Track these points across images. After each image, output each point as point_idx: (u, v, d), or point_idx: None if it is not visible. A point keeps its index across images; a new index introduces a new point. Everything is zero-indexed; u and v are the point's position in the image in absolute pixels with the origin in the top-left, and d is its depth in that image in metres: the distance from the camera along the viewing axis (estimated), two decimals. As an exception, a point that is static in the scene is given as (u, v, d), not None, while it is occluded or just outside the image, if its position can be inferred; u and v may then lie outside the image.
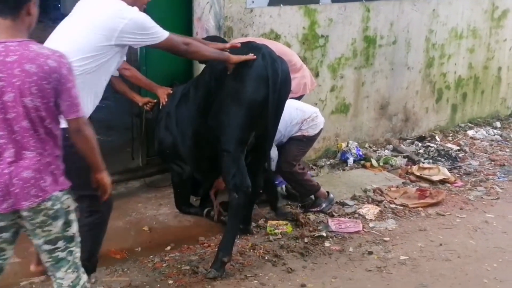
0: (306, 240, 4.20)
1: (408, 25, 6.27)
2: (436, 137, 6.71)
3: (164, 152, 4.59)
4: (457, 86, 7.11)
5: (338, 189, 5.11)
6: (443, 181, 5.45)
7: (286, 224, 4.41)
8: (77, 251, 2.70)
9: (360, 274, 3.80)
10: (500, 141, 6.83)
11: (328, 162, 5.83)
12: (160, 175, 5.24)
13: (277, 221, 4.46)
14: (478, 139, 6.85)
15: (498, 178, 5.64)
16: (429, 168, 5.67)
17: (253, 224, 4.40)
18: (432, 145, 6.42)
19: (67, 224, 2.61)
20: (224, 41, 4.40)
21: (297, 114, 4.52)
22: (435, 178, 5.47)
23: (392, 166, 5.77)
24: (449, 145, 6.52)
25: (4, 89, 2.42)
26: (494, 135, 7.02)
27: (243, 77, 3.68)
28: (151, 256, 3.93)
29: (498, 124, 7.42)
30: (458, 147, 6.46)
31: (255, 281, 3.64)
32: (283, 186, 5.03)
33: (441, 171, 5.58)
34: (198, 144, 4.12)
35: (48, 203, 2.53)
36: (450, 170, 5.73)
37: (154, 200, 4.90)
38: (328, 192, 4.80)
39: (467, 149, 6.45)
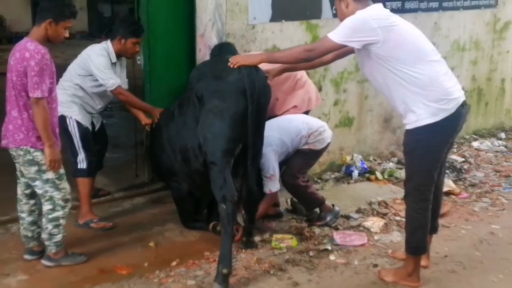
0: (311, 253, 4.20)
1: (410, 38, 6.29)
2: (441, 149, 6.70)
3: (160, 169, 4.66)
4: (461, 98, 7.11)
5: (343, 202, 5.12)
6: (448, 193, 5.43)
7: (291, 238, 4.41)
8: (52, 191, 3.82)
9: (365, 287, 3.79)
10: (505, 152, 6.83)
11: (333, 176, 5.85)
12: (166, 191, 5.26)
13: (282, 235, 4.46)
14: (483, 150, 6.86)
15: (504, 189, 5.64)
16: (434, 180, 5.65)
17: (258, 238, 4.42)
18: (437, 157, 6.41)
19: (41, 171, 3.77)
20: (235, 51, 4.49)
21: (304, 127, 4.54)
22: (440, 190, 5.46)
23: (397, 178, 5.78)
24: (454, 156, 6.51)
25: (9, 67, 3.71)
26: (499, 146, 7.02)
27: (222, 93, 3.85)
28: (157, 272, 3.94)
29: (503, 135, 7.43)
30: (463, 159, 6.46)
31: (261, 295, 3.65)
32: (288, 200, 5.04)
33: (446, 183, 5.55)
34: (187, 159, 4.21)
35: (20, 151, 3.77)
36: (455, 181, 5.74)
37: (159, 216, 4.92)
38: (333, 205, 4.80)
39: (472, 160, 6.46)
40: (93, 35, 14.80)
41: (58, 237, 3.93)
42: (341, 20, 3.58)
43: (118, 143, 6.61)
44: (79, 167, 4.62)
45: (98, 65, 4.54)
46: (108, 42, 4.70)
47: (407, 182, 3.71)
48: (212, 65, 4.22)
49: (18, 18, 13.80)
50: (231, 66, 3.82)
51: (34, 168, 3.79)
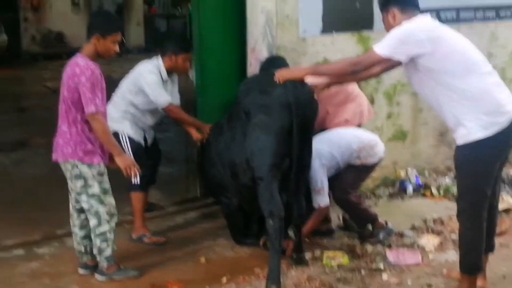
0: (363, 272, 4.12)
1: (467, 50, 6.13)
2: (500, 163, 6.47)
3: (210, 184, 4.68)
4: (521, 110, 6.87)
5: (396, 219, 4.99)
6: (507, 210, 5.25)
7: (343, 256, 4.34)
8: (97, 206, 3.90)
9: (419, 307, 3.70)
10: None
11: (387, 191, 5.73)
12: (217, 205, 5.28)
13: (333, 252, 4.40)
14: (545, 165, 6.58)
15: None
16: (493, 197, 5.47)
17: (309, 255, 4.37)
18: (495, 171, 6.20)
19: (87, 185, 3.87)
20: (284, 64, 4.46)
21: (355, 141, 4.48)
22: (499, 207, 5.27)
23: (453, 194, 5.59)
24: (514, 171, 6.28)
25: (62, 82, 3.85)
26: (562, 160, 6.72)
27: (267, 107, 3.86)
28: (207, 287, 3.95)
29: None
30: (524, 174, 6.22)
31: (311, 314, 3.60)
32: (340, 216, 4.97)
33: (505, 200, 5.38)
34: (236, 174, 4.21)
35: (68, 165, 3.88)
36: (515, 198, 5.53)
37: (211, 230, 4.94)
38: (386, 222, 4.71)
39: (533, 174, 6.20)
40: (149, 49, 15.09)
41: (108, 252, 3.99)
42: (388, 31, 3.52)
43: (172, 157, 6.69)
44: (132, 182, 4.69)
45: (149, 83, 4.61)
46: (159, 58, 4.76)
47: (459, 199, 3.62)
48: (259, 79, 4.23)
49: (77, 34, 14.17)
50: (277, 80, 3.82)
51: (80, 183, 3.88)
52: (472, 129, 3.35)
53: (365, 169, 4.59)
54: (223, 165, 4.38)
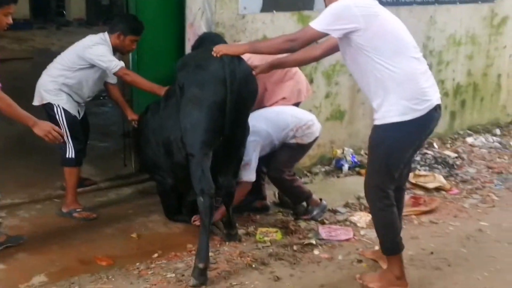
0: (295, 247, 4.14)
1: (405, 32, 6.21)
2: (434, 144, 6.64)
3: (146, 162, 4.60)
4: (456, 93, 7.05)
5: (331, 196, 5.05)
6: (438, 189, 5.39)
7: (276, 232, 4.35)
8: None
9: (348, 282, 3.73)
10: (499, 148, 6.76)
11: (323, 169, 5.79)
12: (152, 181, 5.20)
13: (267, 228, 4.41)
14: (477, 146, 6.79)
15: (495, 185, 5.56)
16: (425, 176, 5.60)
17: (243, 231, 4.36)
18: (429, 152, 6.36)
19: None
20: (225, 42, 4.38)
21: (292, 121, 4.47)
22: (430, 185, 5.41)
23: (387, 173, 5.71)
24: (447, 152, 6.45)
25: None
26: (493, 142, 6.94)
27: (201, 81, 3.77)
28: (137, 264, 3.88)
29: (498, 131, 7.35)
30: (456, 155, 6.40)
31: (241, 290, 3.60)
32: (276, 193, 4.98)
33: (437, 179, 5.52)
34: (171, 152, 4.13)
35: None
36: (446, 177, 5.67)
37: (145, 207, 4.86)
38: (320, 199, 4.75)
39: (465, 156, 6.39)
40: (91, 23, 14.71)
41: None
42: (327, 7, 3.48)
43: (108, 132, 6.56)
44: (67, 156, 4.56)
45: (99, 52, 4.49)
46: (106, 34, 4.64)
47: (368, 180, 3.57)
48: (196, 54, 4.14)
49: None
50: (214, 55, 3.75)
51: None
52: (391, 112, 3.32)
53: (301, 149, 4.60)
54: (157, 144, 4.29)
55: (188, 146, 3.82)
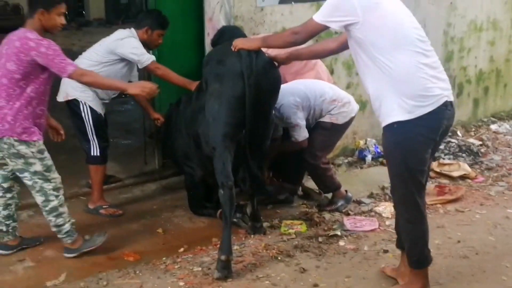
0: (320, 239, 4.14)
1: (425, 19, 6.13)
2: (458, 132, 6.58)
3: (176, 154, 4.63)
4: (478, 80, 6.97)
5: (355, 187, 5.04)
6: (463, 177, 5.34)
7: (301, 224, 4.36)
8: (42, 183, 3.73)
9: (374, 273, 3.71)
10: (524, 134, 6.68)
11: (346, 160, 5.77)
12: (176, 177, 5.25)
13: (291, 221, 4.42)
14: (501, 133, 6.72)
15: (521, 172, 5.51)
16: (449, 164, 5.56)
17: (267, 224, 4.37)
18: (453, 140, 6.29)
19: (27, 163, 3.68)
20: (244, 34, 4.37)
21: (329, 91, 4.47)
22: (455, 174, 5.37)
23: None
24: (471, 140, 6.40)
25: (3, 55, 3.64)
26: (517, 128, 6.87)
27: (220, 76, 3.80)
28: (164, 258, 3.91)
29: (522, 117, 7.27)
30: (480, 142, 6.34)
31: (267, 282, 3.59)
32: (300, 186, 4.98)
33: (462, 167, 5.47)
34: (199, 145, 4.17)
35: (3, 144, 3.64)
36: (471, 165, 5.62)
37: (169, 202, 4.91)
38: (346, 191, 4.73)
39: (489, 143, 6.33)
40: (110, 22, 14.80)
41: (67, 227, 3.86)
42: None
43: (130, 129, 6.61)
44: (92, 154, 4.60)
45: (130, 46, 4.51)
46: (133, 30, 4.67)
47: (393, 190, 3.36)
48: (218, 50, 4.15)
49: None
50: (232, 49, 3.76)
51: (21, 160, 3.70)
52: (393, 110, 3.08)
53: (335, 131, 4.57)
54: (188, 136, 4.35)
55: (211, 139, 3.86)
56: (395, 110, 3.08)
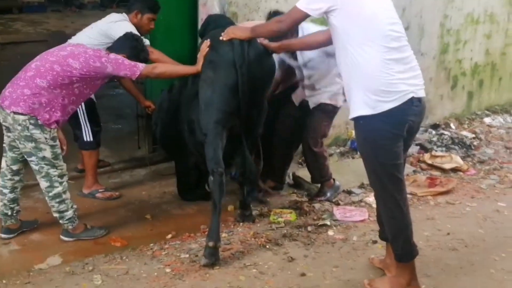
0: (309, 228, 4.12)
1: (421, 11, 6.12)
2: (451, 125, 6.56)
3: (169, 140, 4.57)
4: (474, 72, 6.94)
5: (346, 177, 5.02)
6: (455, 170, 5.33)
7: (290, 213, 4.33)
8: (48, 168, 3.70)
9: (362, 263, 3.70)
10: (517, 128, 6.66)
11: (338, 150, 5.75)
12: (166, 163, 5.20)
13: (281, 210, 4.39)
14: (495, 126, 6.71)
15: (513, 166, 5.49)
16: (441, 156, 5.54)
17: (256, 212, 4.35)
18: (446, 132, 6.29)
19: (37, 148, 3.65)
20: (231, 22, 4.32)
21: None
22: (447, 166, 5.35)
23: (403, 153, 5.64)
24: (464, 132, 6.38)
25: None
26: (511, 122, 6.84)
27: (212, 63, 3.78)
28: (151, 244, 3.89)
29: (516, 111, 7.24)
30: (473, 135, 6.32)
31: (254, 270, 3.57)
32: (290, 174, 4.95)
33: (454, 159, 5.45)
34: (193, 131, 4.12)
35: (20, 122, 3.60)
36: (463, 158, 5.62)
37: (158, 188, 4.87)
38: (334, 180, 4.71)
39: (482, 137, 6.32)
40: (105, 5, 14.65)
41: (69, 213, 3.85)
42: None
43: (122, 114, 6.55)
44: (85, 139, 4.56)
45: (123, 28, 4.39)
46: (125, 15, 4.61)
47: (371, 185, 3.33)
48: (214, 35, 4.07)
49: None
50: (223, 38, 3.72)
51: (31, 144, 3.66)
52: (358, 104, 3.05)
53: (334, 114, 4.58)
54: (182, 121, 4.30)
55: (202, 125, 3.83)
56: (359, 104, 3.05)
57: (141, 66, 3.80)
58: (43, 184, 3.77)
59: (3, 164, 3.89)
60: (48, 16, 13.29)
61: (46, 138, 3.66)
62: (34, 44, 9.93)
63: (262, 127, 4.14)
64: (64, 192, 3.82)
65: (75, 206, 3.91)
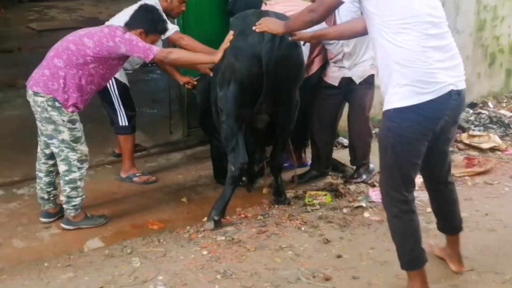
0: (344, 210, 4.11)
1: (457, -13, 5.98)
2: (489, 104, 6.43)
3: (206, 124, 4.58)
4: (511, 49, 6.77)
5: (381, 159, 4.97)
6: (493, 149, 5.23)
7: (325, 195, 4.32)
8: (68, 152, 3.75)
9: (398, 245, 3.67)
10: (558, 106, 6.49)
11: (374, 131, 5.66)
12: (201, 147, 5.25)
13: (316, 192, 4.38)
14: (534, 104, 6.53)
15: (553, 144, 5.37)
16: (479, 136, 5.44)
17: (291, 194, 4.35)
18: (484, 112, 6.16)
19: (57, 131, 3.71)
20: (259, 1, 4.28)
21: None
22: (485, 146, 5.25)
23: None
24: (503, 111, 6.24)
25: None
26: (551, 100, 6.68)
27: (239, 50, 3.69)
28: (188, 227, 3.93)
29: (557, 88, 7.04)
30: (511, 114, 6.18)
31: (290, 252, 3.58)
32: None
33: (492, 139, 5.35)
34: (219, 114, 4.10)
35: (40, 102, 3.68)
36: (501, 137, 5.50)
37: (194, 171, 4.92)
38: (369, 163, 4.67)
39: (521, 115, 6.16)
40: (137, -9, 14.71)
41: (77, 200, 3.88)
42: None
43: (156, 99, 6.60)
44: (121, 124, 4.63)
45: None
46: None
47: (381, 180, 3.11)
48: (247, 17, 3.97)
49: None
50: (256, 30, 3.59)
51: (51, 126, 3.72)
52: (394, 95, 2.81)
53: (373, 84, 4.46)
54: (215, 105, 4.28)
55: (223, 115, 3.81)
56: (395, 95, 2.81)
57: (155, 49, 3.74)
58: (62, 167, 3.81)
59: (38, 148, 3.96)
60: (82, 3, 13.43)
61: (63, 121, 3.69)
62: (70, 31, 10.06)
63: (293, 123, 4.07)
64: (80, 179, 3.86)
65: (84, 196, 3.94)
